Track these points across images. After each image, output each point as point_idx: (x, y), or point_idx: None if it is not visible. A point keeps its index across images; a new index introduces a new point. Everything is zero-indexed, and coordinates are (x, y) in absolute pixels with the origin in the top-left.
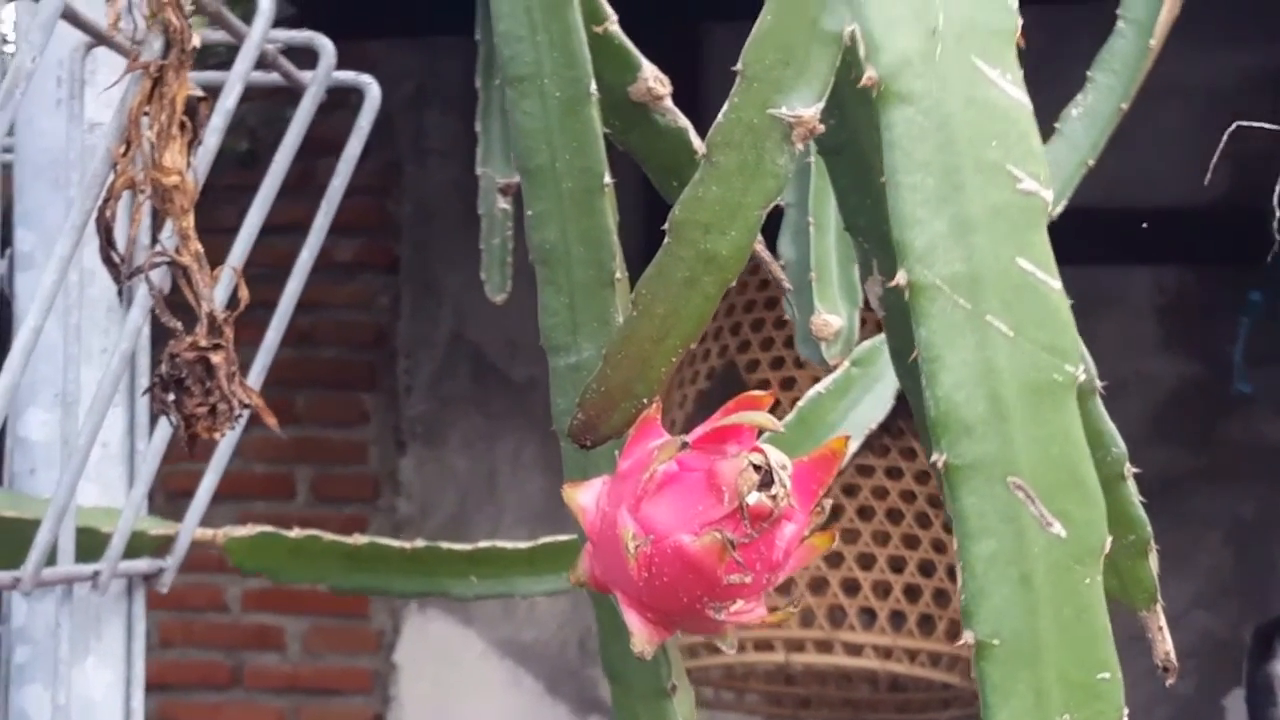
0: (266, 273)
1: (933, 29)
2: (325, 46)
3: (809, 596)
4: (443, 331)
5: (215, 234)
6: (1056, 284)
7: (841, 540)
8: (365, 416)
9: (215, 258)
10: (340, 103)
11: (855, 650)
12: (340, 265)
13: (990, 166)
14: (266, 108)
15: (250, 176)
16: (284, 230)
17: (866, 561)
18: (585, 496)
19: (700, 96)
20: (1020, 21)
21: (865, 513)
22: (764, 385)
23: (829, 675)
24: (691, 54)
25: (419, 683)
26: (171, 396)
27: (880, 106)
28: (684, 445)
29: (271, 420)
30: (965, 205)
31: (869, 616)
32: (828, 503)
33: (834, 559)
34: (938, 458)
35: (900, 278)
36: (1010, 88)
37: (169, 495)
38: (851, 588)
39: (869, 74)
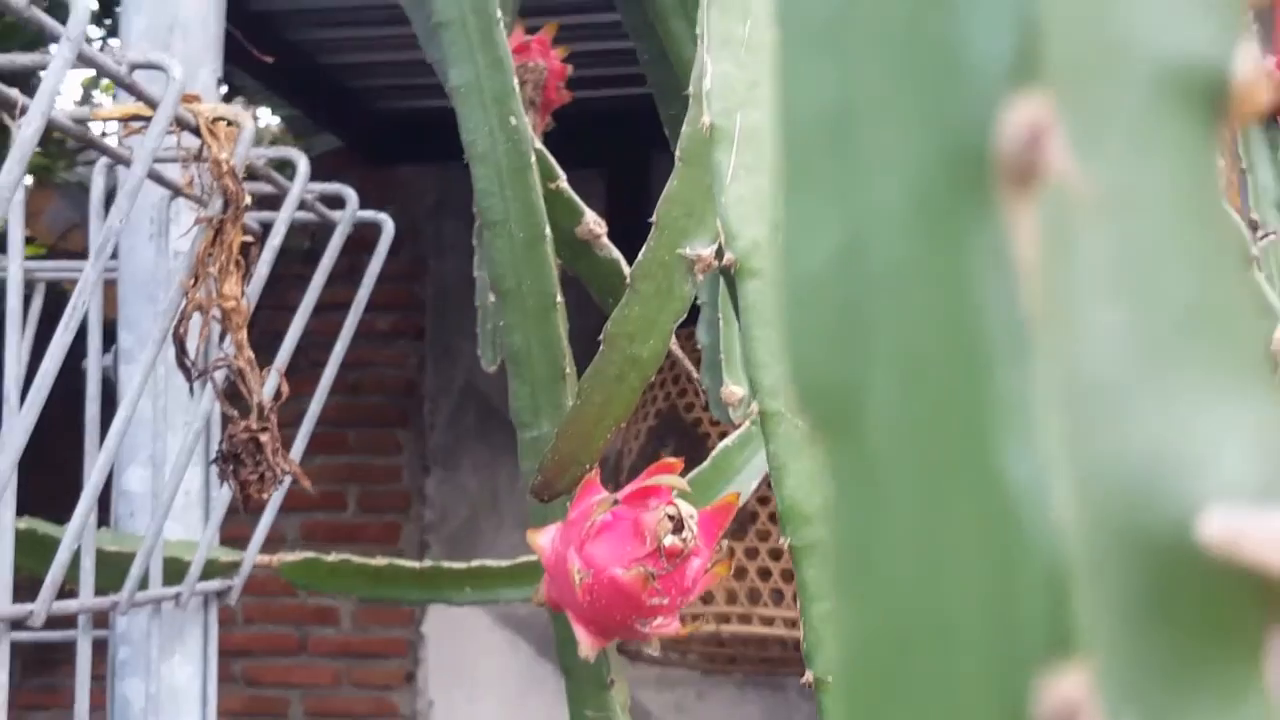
0: (323, 340)
1: (775, 222)
2: (350, 195)
3: (733, 581)
4: (457, 383)
5: (283, 310)
6: None
7: (756, 538)
8: (399, 447)
9: (282, 330)
10: (372, 207)
11: (768, 621)
12: (380, 334)
13: None
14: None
15: (311, 268)
16: (337, 307)
17: (776, 554)
18: (543, 539)
19: (648, 205)
20: None
21: (775, 517)
22: (698, 423)
23: (750, 640)
24: (641, 173)
25: (441, 647)
26: (230, 467)
27: (738, 279)
28: (615, 501)
29: (306, 482)
30: None
31: (779, 595)
32: (725, 543)
33: (752, 553)
34: (785, 540)
35: (754, 407)
36: None
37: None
38: (765, 574)
39: (728, 256)
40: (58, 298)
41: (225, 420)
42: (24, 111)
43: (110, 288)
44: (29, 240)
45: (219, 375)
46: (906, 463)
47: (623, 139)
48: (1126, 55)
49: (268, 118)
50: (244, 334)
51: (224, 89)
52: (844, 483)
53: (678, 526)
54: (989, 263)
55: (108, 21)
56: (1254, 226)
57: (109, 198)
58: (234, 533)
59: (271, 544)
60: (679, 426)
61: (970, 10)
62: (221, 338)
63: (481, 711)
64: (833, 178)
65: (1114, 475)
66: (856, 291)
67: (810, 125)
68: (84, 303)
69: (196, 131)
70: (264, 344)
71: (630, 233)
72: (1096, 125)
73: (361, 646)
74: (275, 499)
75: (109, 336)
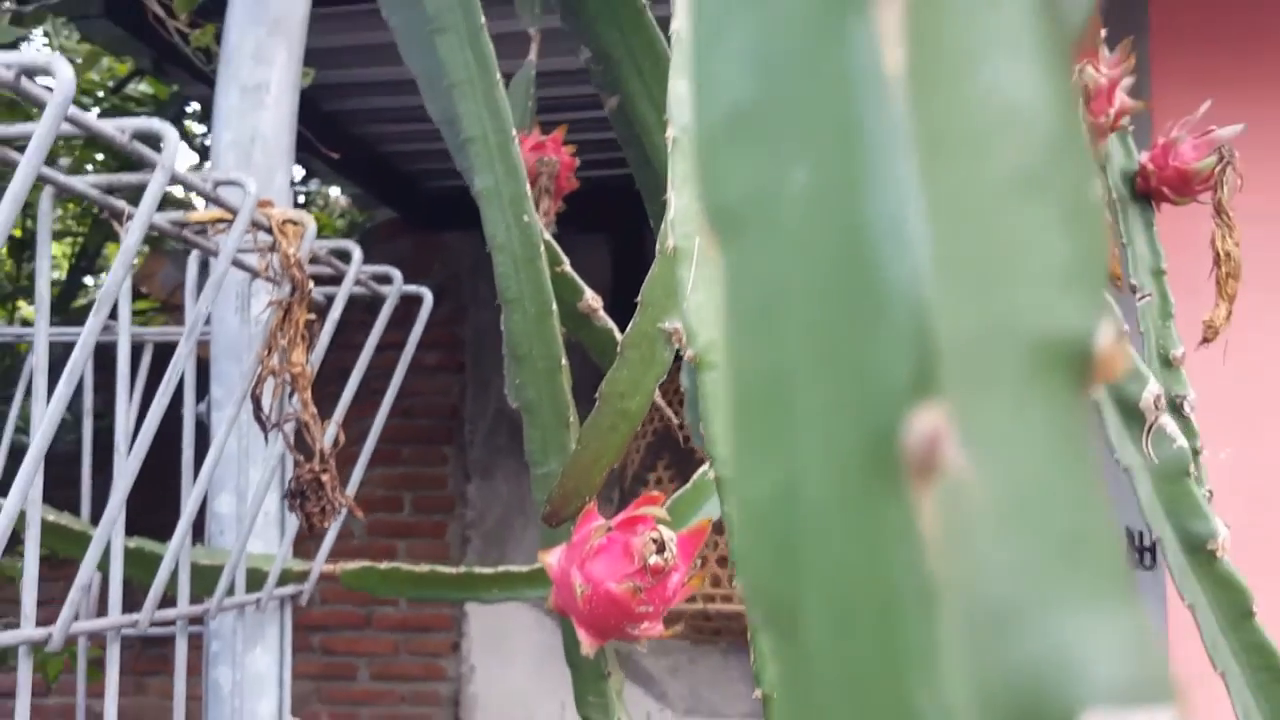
0: (381, 372)
1: (728, 454)
2: (395, 275)
3: (717, 568)
4: (491, 408)
5: (349, 350)
6: None
7: None
8: (445, 459)
9: (348, 367)
10: (425, 272)
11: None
12: (428, 368)
13: None
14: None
15: (371, 315)
16: (394, 347)
17: None
18: (552, 558)
19: (645, 262)
20: None
21: None
22: (688, 439)
23: (731, 615)
24: (639, 237)
25: (481, 623)
26: (297, 501)
27: (698, 371)
28: (609, 528)
29: (359, 513)
30: None
31: None
32: (699, 560)
33: None
34: (737, 584)
35: (711, 473)
36: None
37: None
38: None
39: (689, 353)
40: (164, 351)
41: (295, 463)
42: (130, 218)
43: (205, 345)
44: (145, 296)
45: (288, 427)
46: (836, 674)
47: (624, 208)
48: (1009, 337)
49: (338, 194)
50: (309, 393)
51: (303, 173)
52: (785, 669)
53: (660, 548)
54: (899, 533)
55: (208, 120)
56: (1133, 290)
57: (203, 274)
58: (307, 534)
59: (341, 539)
60: (671, 443)
61: (875, 326)
62: (290, 396)
63: (512, 674)
64: (772, 429)
65: (1008, 688)
66: (791, 528)
67: (753, 381)
68: (179, 371)
69: (269, 230)
70: (333, 378)
71: (632, 286)
72: (986, 406)
73: (416, 622)
74: (335, 524)
75: (204, 386)
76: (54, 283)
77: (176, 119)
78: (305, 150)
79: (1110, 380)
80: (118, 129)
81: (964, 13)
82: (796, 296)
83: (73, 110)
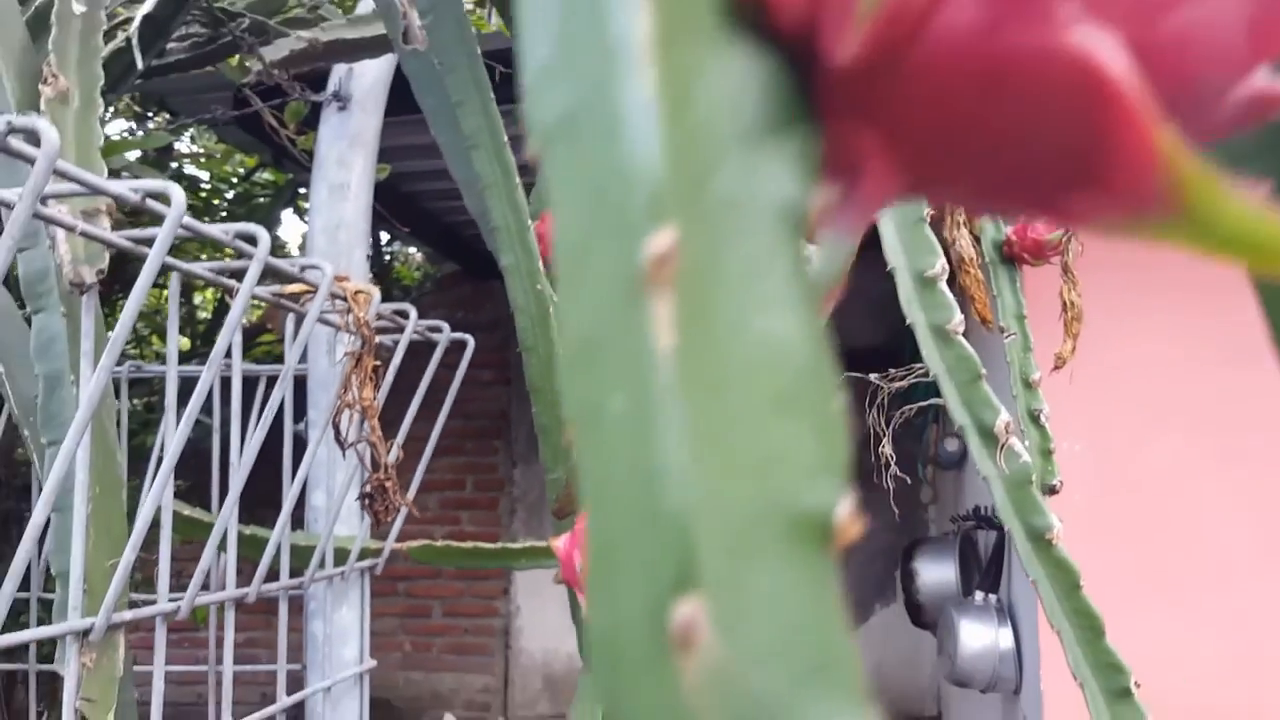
0: (443, 384)
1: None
2: (444, 326)
3: None
4: (531, 413)
5: (414, 373)
6: None
7: None
8: (497, 451)
9: (416, 382)
10: (479, 310)
11: None
12: (483, 382)
13: None
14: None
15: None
16: (449, 366)
17: None
18: (559, 542)
19: None
20: None
21: None
22: None
23: None
24: None
25: (524, 574)
26: (367, 502)
27: None
28: None
29: (415, 511)
30: None
31: None
32: None
33: None
34: None
35: None
36: None
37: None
38: None
39: None
40: (275, 380)
41: (365, 474)
42: (235, 293)
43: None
44: (269, 331)
45: (360, 446)
46: None
47: None
48: (768, 521)
49: (414, 251)
50: (376, 420)
51: (387, 237)
52: None
53: None
54: (671, 685)
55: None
56: (1002, 330)
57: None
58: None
59: (416, 513)
60: None
61: (653, 534)
62: (362, 423)
63: (549, 612)
64: (604, 581)
65: None
66: (615, 657)
67: (595, 537)
68: (278, 400)
69: (345, 299)
70: (406, 388)
71: None
72: (745, 577)
73: (476, 572)
74: (399, 519)
75: (301, 408)
76: (201, 321)
77: (292, 199)
78: (386, 221)
79: (848, 544)
80: (223, 231)
81: (733, 287)
82: (615, 490)
83: (186, 219)
